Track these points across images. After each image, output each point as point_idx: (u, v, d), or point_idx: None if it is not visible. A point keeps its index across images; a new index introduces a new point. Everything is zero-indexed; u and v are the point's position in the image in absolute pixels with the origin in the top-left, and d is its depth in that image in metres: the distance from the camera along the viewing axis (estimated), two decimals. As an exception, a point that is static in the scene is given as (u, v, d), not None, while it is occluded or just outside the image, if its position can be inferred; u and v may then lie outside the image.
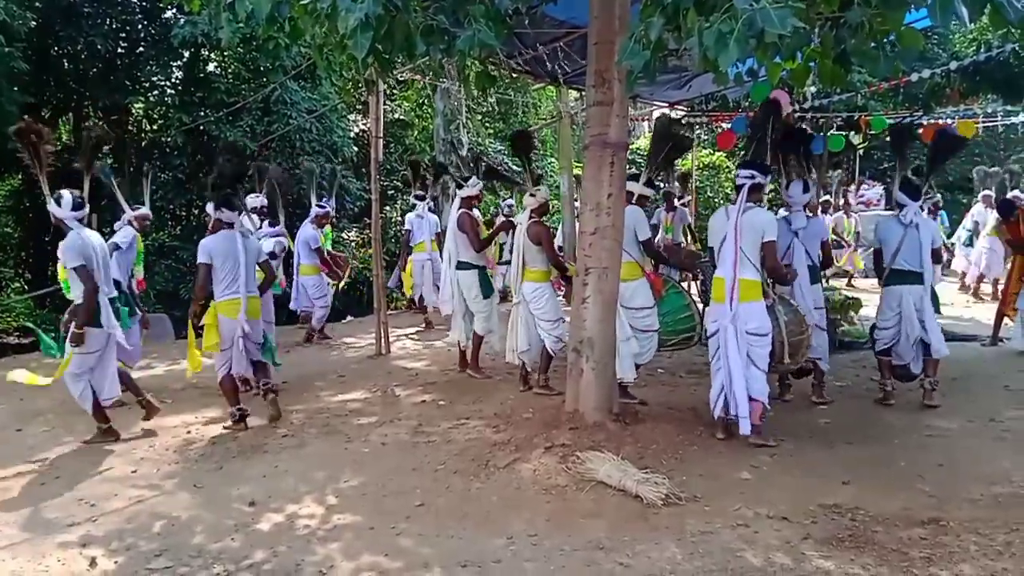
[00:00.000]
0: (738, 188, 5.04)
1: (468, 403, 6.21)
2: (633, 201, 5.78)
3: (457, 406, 6.15)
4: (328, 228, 9.55)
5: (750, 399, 4.88)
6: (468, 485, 4.49)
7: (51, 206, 5.18)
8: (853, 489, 4.30)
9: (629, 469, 4.37)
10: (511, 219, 6.92)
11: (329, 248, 9.47)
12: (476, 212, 7.36)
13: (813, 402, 6.01)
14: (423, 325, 10.05)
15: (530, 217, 6.25)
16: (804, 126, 8.84)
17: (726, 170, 19.32)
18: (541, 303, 6.22)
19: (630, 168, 5.92)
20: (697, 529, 3.85)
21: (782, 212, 6.03)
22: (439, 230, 9.93)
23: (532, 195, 6.24)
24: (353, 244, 13.25)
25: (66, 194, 5.18)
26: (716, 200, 18.38)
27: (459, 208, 6.99)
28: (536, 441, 4.93)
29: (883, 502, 4.11)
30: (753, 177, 4.98)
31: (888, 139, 13.45)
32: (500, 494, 4.34)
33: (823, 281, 6.47)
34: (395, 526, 3.98)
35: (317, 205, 9.06)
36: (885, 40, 3.73)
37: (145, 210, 7.08)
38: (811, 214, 6.07)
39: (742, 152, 19.06)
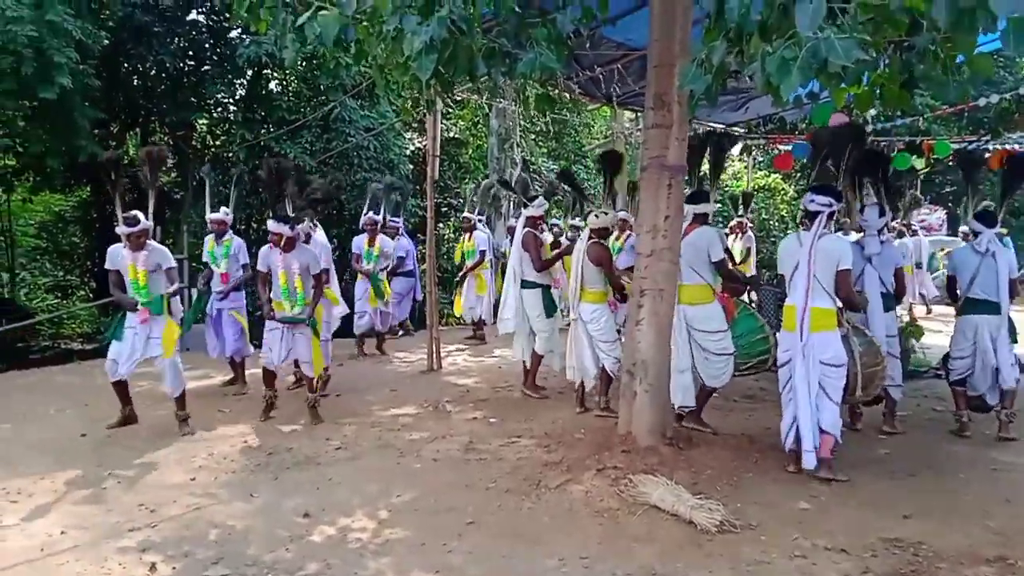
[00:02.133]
0: (811, 215, 4.88)
1: (519, 421, 6.21)
2: (708, 221, 5.71)
3: (508, 424, 6.16)
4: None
5: (821, 431, 4.76)
6: (519, 504, 4.48)
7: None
8: (915, 523, 4.19)
9: (683, 494, 4.32)
10: (573, 242, 6.90)
11: (370, 263, 9.27)
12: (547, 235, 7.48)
13: (883, 432, 5.86)
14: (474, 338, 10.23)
15: (590, 238, 6.21)
16: (882, 148, 8.69)
17: (781, 192, 19.09)
18: (600, 324, 6.17)
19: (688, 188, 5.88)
20: (752, 558, 3.78)
21: (852, 236, 5.92)
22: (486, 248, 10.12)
23: (597, 216, 6.20)
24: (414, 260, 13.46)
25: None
26: (771, 223, 18.16)
27: (524, 227, 6.97)
28: (588, 463, 4.91)
29: (947, 537, 3.99)
30: (831, 205, 4.83)
31: (951, 164, 13.21)
32: (551, 515, 4.32)
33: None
34: (446, 543, 3.99)
35: (391, 220, 9.42)
36: (954, 65, 3.68)
37: (214, 215, 7.40)
38: (884, 239, 5.88)
39: (807, 175, 18.81)
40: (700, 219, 5.68)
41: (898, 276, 5.86)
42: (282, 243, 6.02)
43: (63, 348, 13.55)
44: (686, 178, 5.46)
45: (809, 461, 4.75)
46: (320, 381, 6.53)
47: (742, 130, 10.76)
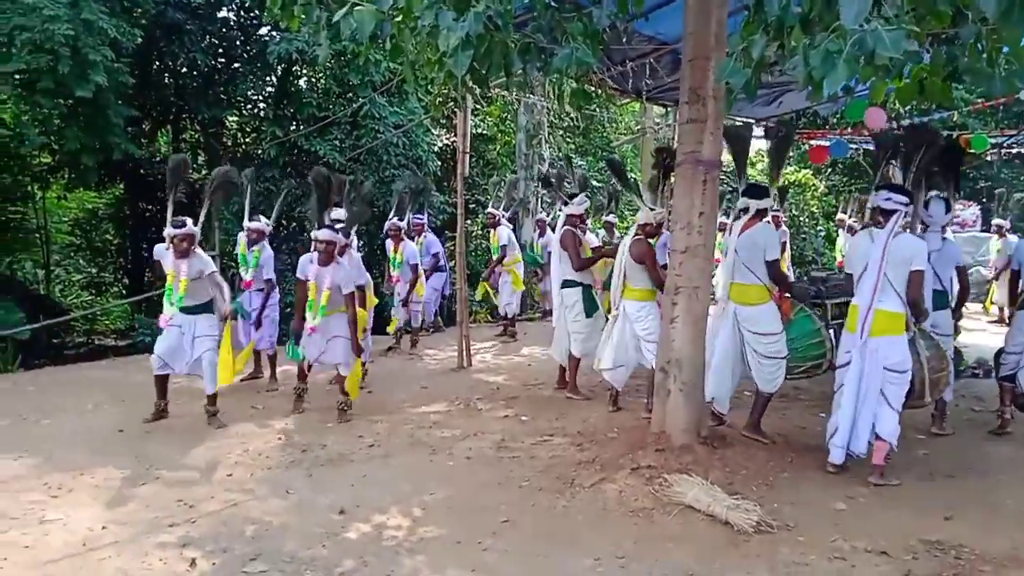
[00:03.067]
0: (886, 212, 4.69)
1: (551, 420, 6.19)
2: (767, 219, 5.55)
3: (540, 422, 6.14)
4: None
5: (877, 438, 4.68)
6: (553, 503, 4.47)
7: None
8: (956, 525, 4.12)
9: (718, 494, 4.28)
10: (615, 244, 6.77)
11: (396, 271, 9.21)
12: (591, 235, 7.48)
13: (933, 433, 5.75)
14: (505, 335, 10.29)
15: (636, 234, 6.05)
16: (959, 141, 8.48)
17: (812, 187, 18.87)
18: (647, 323, 5.93)
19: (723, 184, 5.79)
20: (791, 560, 3.74)
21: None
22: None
23: (647, 212, 6.05)
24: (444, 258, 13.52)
25: None
26: (801, 219, 17.96)
27: (563, 225, 6.85)
28: (622, 462, 4.88)
29: (989, 541, 3.92)
30: (908, 205, 4.69)
31: (988, 159, 12.97)
32: (586, 514, 4.31)
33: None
34: (481, 541, 3.99)
35: (415, 217, 9.45)
36: (999, 57, 3.59)
37: (254, 224, 7.28)
38: (946, 235, 5.74)
39: (838, 170, 18.68)
40: (760, 214, 5.47)
41: (961, 274, 5.71)
42: (329, 253, 6.05)
43: (97, 344, 13.74)
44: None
45: (838, 456, 4.72)
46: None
47: (773, 124, 10.62)
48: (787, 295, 5.57)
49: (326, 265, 6.04)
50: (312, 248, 6.11)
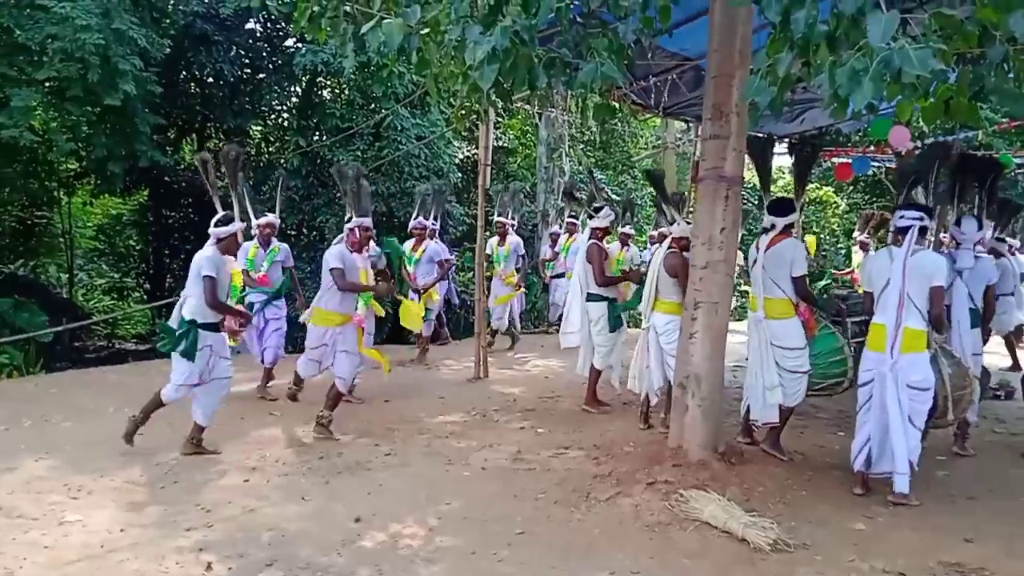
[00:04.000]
0: (902, 230, 4.72)
1: (567, 432, 6.19)
2: (793, 233, 5.53)
3: (556, 434, 6.14)
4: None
5: None
6: (569, 516, 4.46)
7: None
8: (976, 548, 4.07)
9: (735, 511, 4.25)
10: (640, 268, 6.75)
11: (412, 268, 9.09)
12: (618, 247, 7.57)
13: (955, 453, 5.70)
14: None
15: (670, 247, 6.02)
16: (993, 155, 8.44)
17: (833, 205, 18.80)
18: (673, 337, 5.81)
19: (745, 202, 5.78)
20: (808, 579, 3.71)
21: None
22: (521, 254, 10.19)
23: (682, 225, 6.02)
24: (454, 268, 13.48)
25: None
26: (823, 236, 17.88)
27: (589, 239, 6.83)
28: (638, 476, 4.86)
29: (1011, 564, 3.89)
30: (922, 219, 4.69)
31: (1014, 178, 12.84)
32: (602, 527, 4.30)
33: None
34: (496, 552, 3.99)
35: (417, 222, 9.25)
36: (1027, 78, 3.58)
37: (264, 219, 7.22)
38: (978, 253, 5.68)
39: (860, 188, 18.57)
40: (787, 230, 5.45)
41: (987, 294, 5.63)
42: (366, 240, 6.19)
43: (118, 348, 13.89)
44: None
45: (902, 485, 4.61)
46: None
47: (797, 140, 10.61)
48: (813, 311, 5.55)
49: (359, 252, 6.17)
50: (347, 238, 6.17)
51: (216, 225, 5.50)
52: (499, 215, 10.31)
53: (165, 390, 5.49)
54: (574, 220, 10.65)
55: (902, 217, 4.74)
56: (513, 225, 10.29)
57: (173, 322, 5.43)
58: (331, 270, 5.88)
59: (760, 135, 9.51)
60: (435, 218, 9.77)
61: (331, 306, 5.98)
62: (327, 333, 6.03)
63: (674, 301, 5.95)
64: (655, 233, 10.76)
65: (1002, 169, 6.16)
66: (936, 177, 5.14)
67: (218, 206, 5.78)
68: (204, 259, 5.35)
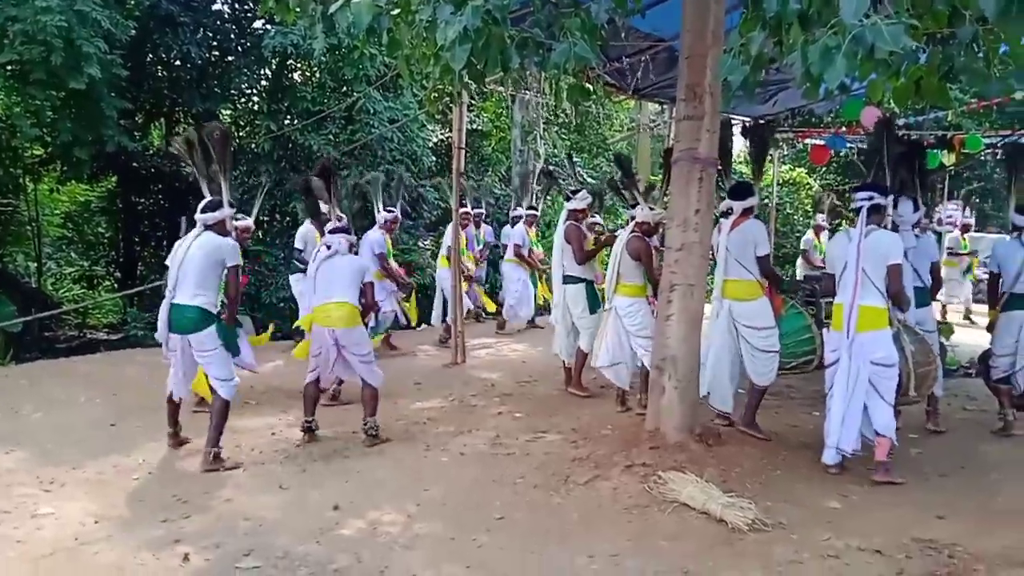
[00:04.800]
0: (856, 211, 4.85)
1: (545, 416, 6.19)
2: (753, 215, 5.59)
3: (534, 419, 6.13)
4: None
5: (877, 434, 4.71)
6: (548, 500, 4.47)
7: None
8: (949, 524, 4.13)
9: (713, 492, 4.28)
10: (615, 233, 6.75)
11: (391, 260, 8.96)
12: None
13: (928, 430, 5.80)
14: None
15: (632, 231, 6.09)
16: (920, 140, 8.56)
17: (806, 187, 18.91)
18: (636, 319, 6.01)
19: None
20: (785, 558, 3.74)
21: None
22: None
23: (646, 210, 6.09)
24: (428, 253, 13.37)
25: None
26: (795, 217, 17.99)
27: (566, 220, 6.82)
28: (616, 459, 4.88)
29: (982, 540, 3.93)
30: (872, 198, 4.78)
31: (981, 159, 13.00)
32: (580, 511, 4.31)
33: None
34: (476, 538, 3.98)
35: (386, 210, 8.67)
36: (996, 58, 3.60)
37: (243, 222, 6.61)
38: (919, 233, 5.78)
39: (832, 169, 18.70)
40: (747, 212, 5.54)
41: (934, 270, 5.76)
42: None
43: (89, 338, 13.67)
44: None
45: (830, 457, 4.73)
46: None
47: (750, 123, 10.62)
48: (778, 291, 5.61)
49: None
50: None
51: (203, 211, 5.09)
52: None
53: (225, 393, 5.02)
54: (534, 212, 10.61)
55: (855, 198, 4.88)
56: (482, 214, 10.32)
57: (166, 321, 5.02)
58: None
59: (733, 117, 9.54)
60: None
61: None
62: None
63: (636, 284, 6.08)
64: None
65: (925, 151, 6.26)
66: (888, 160, 5.19)
67: (205, 190, 5.30)
68: (227, 246, 5.03)
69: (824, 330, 5.81)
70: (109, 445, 5.41)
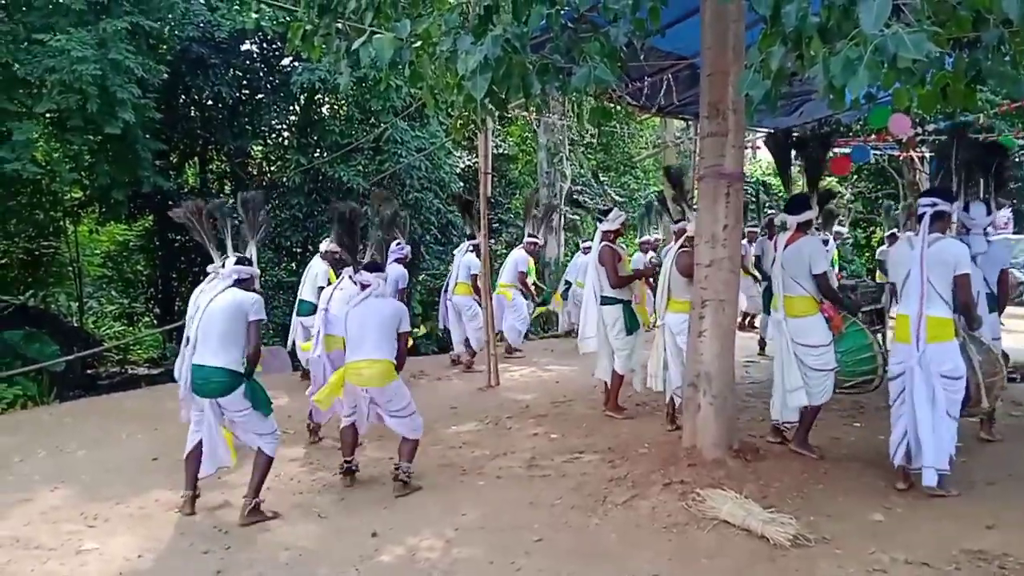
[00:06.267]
0: (919, 217, 4.65)
1: (580, 436, 6.16)
2: (808, 231, 5.43)
3: (570, 439, 6.11)
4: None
5: None
6: (586, 521, 4.45)
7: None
8: (999, 534, 4.03)
9: (753, 508, 4.23)
10: (656, 267, 6.60)
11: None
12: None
13: (982, 439, 5.64)
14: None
15: (682, 246, 5.97)
16: (997, 140, 8.40)
17: (838, 195, 18.70)
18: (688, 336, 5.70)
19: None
20: (829, 574, 3.69)
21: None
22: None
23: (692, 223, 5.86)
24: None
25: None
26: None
27: (600, 241, 6.71)
28: (653, 477, 4.85)
29: (1034, 549, 3.84)
30: (935, 204, 4.60)
31: (1018, 159, 12.75)
32: (619, 531, 4.28)
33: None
34: (515, 562, 3.97)
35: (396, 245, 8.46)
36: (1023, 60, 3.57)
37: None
38: (991, 237, 5.62)
39: (864, 177, 18.51)
40: (803, 228, 5.40)
41: (1002, 278, 5.54)
42: None
43: (130, 374, 13.94)
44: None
45: (929, 479, 4.50)
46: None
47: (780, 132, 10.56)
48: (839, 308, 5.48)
49: None
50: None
51: (238, 263, 4.96)
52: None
53: (269, 450, 4.78)
54: (534, 240, 10.25)
55: (919, 205, 4.68)
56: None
57: (188, 381, 4.73)
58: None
59: (760, 131, 9.52)
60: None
61: None
62: None
63: (687, 300, 5.80)
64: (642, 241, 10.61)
65: (1007, 153, 6.09)
66: (956, 161, 5.10)
67: (214, 254, 5.21)
68: (251, 301, 4.75)
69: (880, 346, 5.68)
70: (151, 479, 5.49)
